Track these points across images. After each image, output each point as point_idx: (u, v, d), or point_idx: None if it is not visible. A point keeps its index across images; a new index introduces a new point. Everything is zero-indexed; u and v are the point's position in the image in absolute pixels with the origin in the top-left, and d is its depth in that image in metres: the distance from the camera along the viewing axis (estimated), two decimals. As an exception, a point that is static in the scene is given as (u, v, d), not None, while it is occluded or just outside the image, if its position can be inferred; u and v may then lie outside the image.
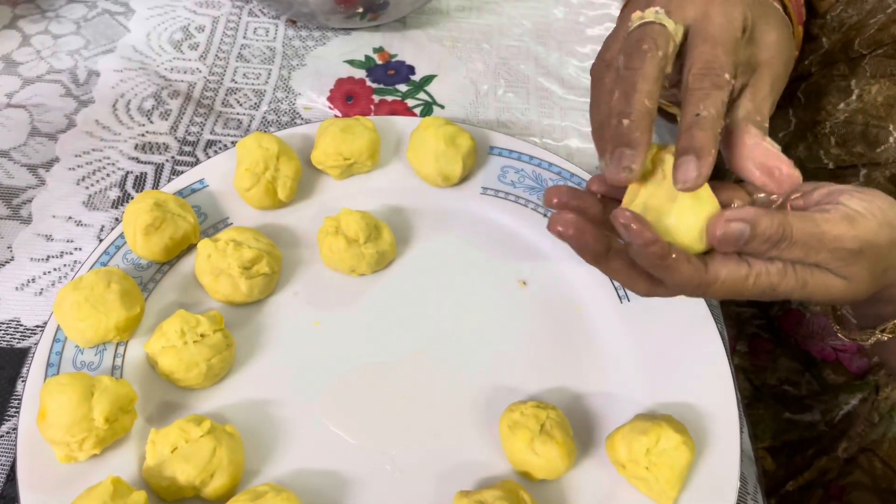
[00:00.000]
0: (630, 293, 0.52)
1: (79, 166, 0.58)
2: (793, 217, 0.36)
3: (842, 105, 0.57)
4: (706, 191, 0.38)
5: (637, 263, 0.39)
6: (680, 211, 0.38)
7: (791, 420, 0.68)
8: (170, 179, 0.57)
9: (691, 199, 0.38)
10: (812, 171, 0.60)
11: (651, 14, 0.41)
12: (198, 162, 0.59)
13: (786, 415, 0.69)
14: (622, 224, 0.36)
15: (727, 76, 0.39)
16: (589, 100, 0.66)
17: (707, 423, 0.46)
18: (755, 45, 0.43)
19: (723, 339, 0.50)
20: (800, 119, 0.61)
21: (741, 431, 0.46)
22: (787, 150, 0.62)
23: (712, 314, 0.51)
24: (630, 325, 0.51)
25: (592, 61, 0.70)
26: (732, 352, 0.70)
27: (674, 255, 0.37)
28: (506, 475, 0.45)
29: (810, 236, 0.36)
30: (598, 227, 0.39)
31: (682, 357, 0.49)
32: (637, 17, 0.41)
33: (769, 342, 0.70)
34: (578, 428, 0.46)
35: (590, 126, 0.65)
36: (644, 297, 0.42)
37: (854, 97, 0.56)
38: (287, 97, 0.65)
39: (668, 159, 0.39)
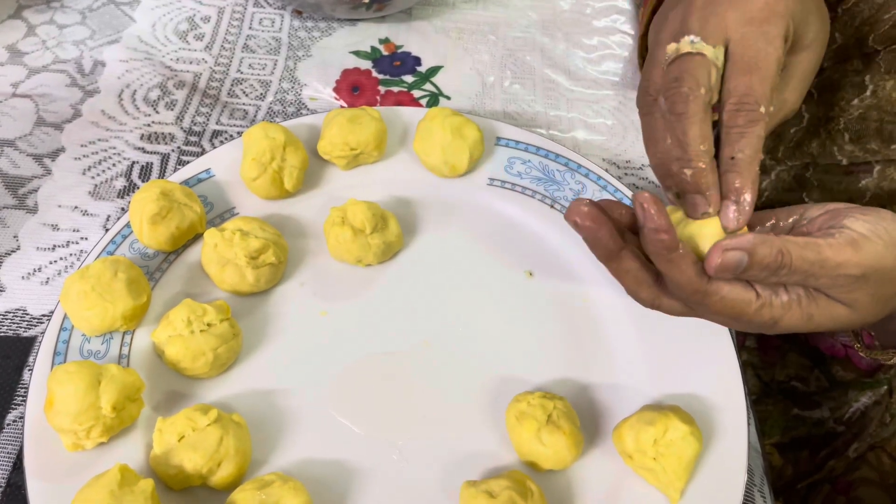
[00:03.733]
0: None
1: (84, 156, 0.58)
2: (792, 244, 0.36)
3: (856, 101, 0.56)
4: None
5: (645, 267, 0.39)
6: (704, 221, 0.39)
7: (799, 416, 0.68)
8: (175, 169, 0.57)
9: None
10: (825, 168, 0.60)
11: (686, 45, 0.40)
12: (203, 152, 0.58)
13: (794, 411, 0.68)
14: (640, 204, 0.36)
15: (762, 109, 0.39)
16: (596, 92, 0.67)
17: (714, 414, 0.46)
18: (793, 45, 0.43)
19: (729, 330, 0.50)
20: (813, 115, 0.61)
21: (748, 423, 0.46)
22: (799, 146, 0.62)
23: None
24: (636, 317, 0.51)
25: (599, 52, 0.71)
26: (741, 347, 0.70)
27: (681, 251, 0.37)
28: (513, 465, 0.45)
29: (811, 263, 0.36)
30: (614, 226, 0.39)
31: (688, 348, 0.49)
32: (673, 50, 0.41)
33: (778, 338, 0.70)
34: (585, 419, 0.46)
35: (598, 118, 0.65)
36: (647, 308, 0.42)
37: (868, 93, 0.56)
38: (293, 88, 0.65)
39: None
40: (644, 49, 0.64)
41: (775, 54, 0.40)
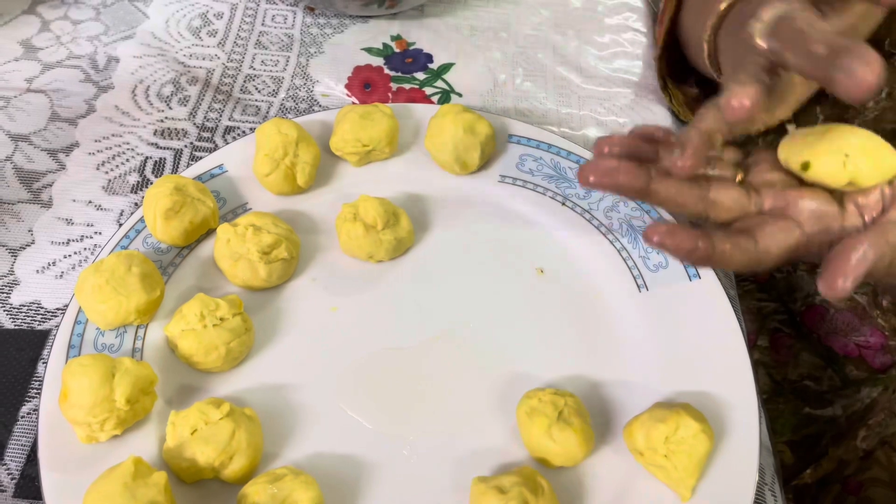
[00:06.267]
0: (648, 282, 0.52)
1: (98, 151, 0.58)
2: None
3: (871, 103, 0.56)
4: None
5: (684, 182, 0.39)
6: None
7: (811, 415, 0.68)
8: (188, 165, 0.57)
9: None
10: None
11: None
12: (216, 148, 0.59)
13: (806, 410, 0.68)
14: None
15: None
16: (608, 89, 0.67)
17: (726, 412, 0.46)
18: None
19: (741, 328, 0.50)
20: (827, 116, 0.61)
21: (760, 422, 0.46)
22: None
23: (731, 304, 0.50)
24: (648, 314, 0.50)
25: (610, 50, 0.71)
26: (753, 346, 0.70)
27: None
28: (523, 461, 0.45)
29: None
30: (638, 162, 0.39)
31: (700, 346, 0.49)
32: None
33: (790, 337, 0.70)
34: (596, 415, 0.46)
35: (609, 115, 0.65)
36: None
37: (884, 95, 0.56)
38: (305, 84, 0.65)
39: None
40: (663, 71, 0.64)
41: None
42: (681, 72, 0.67)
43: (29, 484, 0.43)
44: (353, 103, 0.64)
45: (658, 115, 0.66)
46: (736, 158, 0.44)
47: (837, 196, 0.40)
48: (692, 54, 0.62)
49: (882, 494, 0.61)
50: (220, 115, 0.62)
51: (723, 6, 0.49)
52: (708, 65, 0.52)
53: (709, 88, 0.68)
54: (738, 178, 0.42)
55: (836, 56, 0.33)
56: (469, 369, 0.48)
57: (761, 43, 0.38)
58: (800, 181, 0.41)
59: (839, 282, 0.35)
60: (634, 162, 0.39)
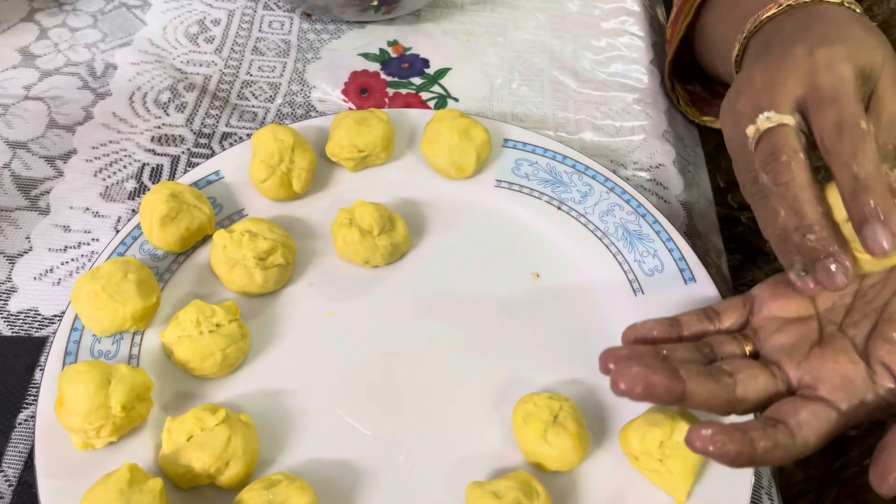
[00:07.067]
0: (644, 286, 0.52)
1: (96, 158, 0.58)
2: None
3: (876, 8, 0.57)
4: None
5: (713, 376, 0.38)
6: None
7: None
8: (185, 171, 0.58)
9: None
10: None
11: (764, 122, 0.39)
12: (213, 154, 0.59)
13: None
14: None
15: (863, 124, 0.37)
16: (604, 93, 0.67)
17: (721, 416, 0.46)
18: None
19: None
20: None
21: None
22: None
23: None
24: (644, 318, 0.50)
25: (607, 54, 0.71)
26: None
27: None
28: (519, 466, 0.45)
29: None
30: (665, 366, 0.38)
31: (696, 350, 0.49)
32: (753, 132, 0.40)
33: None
34: (592, 420, 0.46)
35: (606, 119, 0.65)
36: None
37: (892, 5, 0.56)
38: (302, 90, 0.65)
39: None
40: (672, 73, 0.65)
41: (851, 85, 0.38)
42: (684, 71, 0.67)
43: (26, 491, 0.43)
44: (350, 109, 0.64)
45: (654, 119, 0.66)
46: (737, 321, 0.43)
47: (862, 353, 0.38)
48: (709, 58, 0.62)
49: (881, 498, 0.61)
50: (217, 122, 0.62)
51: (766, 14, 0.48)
52: (733, 65, 0.52)
53: (711, 86, 0.68)
54: (748, 349, 0.41)
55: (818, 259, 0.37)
56: (465, 374, 0.48)
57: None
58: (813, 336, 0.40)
59: (891, 479, 0.34)
60: (665, 371, 0.38)
